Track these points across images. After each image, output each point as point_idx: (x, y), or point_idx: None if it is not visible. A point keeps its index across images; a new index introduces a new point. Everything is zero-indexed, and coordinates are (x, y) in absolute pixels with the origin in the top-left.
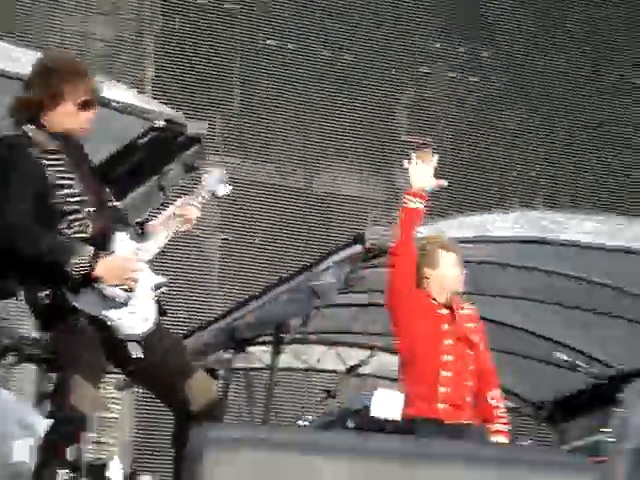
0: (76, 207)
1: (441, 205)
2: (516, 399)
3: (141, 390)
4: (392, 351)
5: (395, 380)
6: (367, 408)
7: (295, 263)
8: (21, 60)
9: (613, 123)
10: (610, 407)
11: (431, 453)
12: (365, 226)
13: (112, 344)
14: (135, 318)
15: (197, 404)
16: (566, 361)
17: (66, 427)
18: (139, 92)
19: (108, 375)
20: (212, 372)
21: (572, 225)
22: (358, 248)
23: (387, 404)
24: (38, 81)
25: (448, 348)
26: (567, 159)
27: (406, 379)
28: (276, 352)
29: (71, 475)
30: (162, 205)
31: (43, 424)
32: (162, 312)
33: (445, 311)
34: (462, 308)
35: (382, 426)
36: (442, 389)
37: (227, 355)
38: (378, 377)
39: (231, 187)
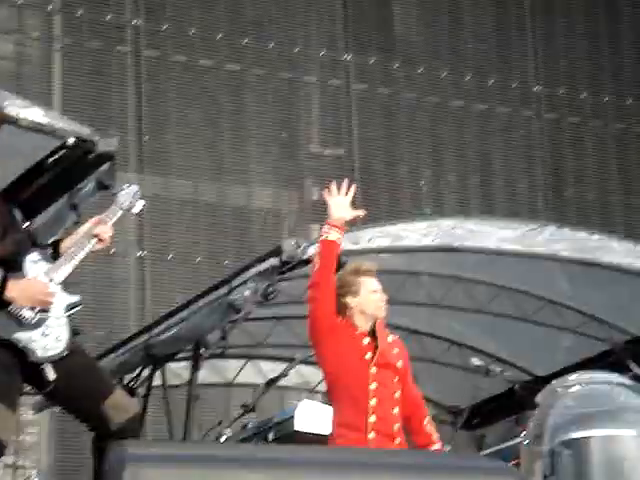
0: None
1: None
2: (433, 406)
3: (59, 411)
4: (311, 363)
5: (315, 392)
6: (291, 419)
7: (212, 278)
8: None
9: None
10: (526, 411)
11: (354, 462)
12: (280, 238)
13: (27, 366)
14: (48, 339)
15: (116, 422)
16: (480, 366)
17: None
18: (48, 109)
19: (25, 397)
20: (130, 390)
21: (486, 233)
22: (275, 261)
23: (311, 416)
24: None
25: (373, 376)
26: (477, 163)
27: (334, 409)
28: (195, 368)
29: None
30: (75, 224)
31: None
32: (76, 332)
33: (368, 339)
34: (386, 334)
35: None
36: (371, 418)
37: (145, 372)
38: (298, 389)
39: (146, 203)
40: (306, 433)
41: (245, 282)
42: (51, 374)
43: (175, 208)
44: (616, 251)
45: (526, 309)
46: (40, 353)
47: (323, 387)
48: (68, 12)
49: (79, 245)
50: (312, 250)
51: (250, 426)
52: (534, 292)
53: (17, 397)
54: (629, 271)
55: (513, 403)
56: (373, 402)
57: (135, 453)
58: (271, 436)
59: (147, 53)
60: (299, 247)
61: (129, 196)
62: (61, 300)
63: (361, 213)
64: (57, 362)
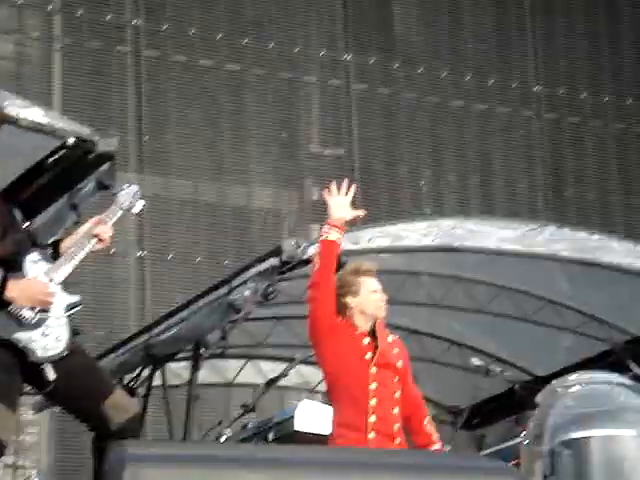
0: None
1: None
2: (433, 406)
3: (59, 411)
4: (311, 363)
5: (315, 392)
6: (291, 419)
7: (212, 278)
8: None
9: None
10: (526, 411)
11: (354, 462)
12: (280, 238)
13: (27, 366)
14: (48, 339)
15: (115, 422)
16: (480, 366)
17: None
18: (48, 109)
19: (25, 397)
20: (130, 390)
21: (486, 233)
22: (275, 261)
23: (311, 416)
24: None
25: (373, 376)
26: (477, 163)
27: (334, 409)
28: (195, 368)
29: None
30: (75, 224)
31: None
32: (76, 332)
33: (368, 339)
34: (386, 335)
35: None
36: (371, 418)
37: (145, 372)
38: (298, 389)
39: (146, 203)
40: (306, 433)
41: (245, 282)
42: (51, 374)
43: (175, 208)
44: (616, 251)
45: (526, 309)
46: (40, 353)
47: (323, 387)
48: (68, 12)
49: (79, 245)
50: (312, 250)
51: (250, 426)
52: (534, 292)
53: (17, 397)
54: (629, 271)
55: (513, 403)
56: (373, 402)
57: (135, 453)
58: (271, 436)
59: (147, 53)
60: (299, 247)
61: (129, 196)
62: (61, 300)
63: (361, 213)
64: (57, 362)
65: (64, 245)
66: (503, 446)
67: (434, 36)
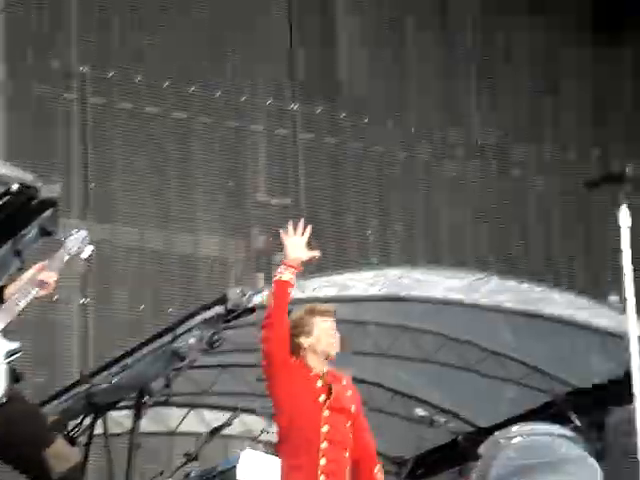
0: None
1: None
2: (377, 456)
3: None
4: (255, 412)
5: (258, 441)
6: (234, 469)
7: (156, 325)
8: None
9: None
10: (469, 462)
11: None
12: (227, 287)
13: None
14: None
15: (57, 472)
16: (424, 417)
17: None
18: None
19: None
20: (71, 439)
21: (433, 282)
22: (220, 309)
23: (254, 466)
24: None
25: (325, 419)
26: (424, 214)
27: (284, 451)
28: (137, 416)
29: None
30: (19, 270)
31: None
32: (17, 378)
33: (321, 382)
34: (340, 377)
35: None
36: (322, 461)
37: (87, 421)
38: (241, 438)
39: (94, 248)
40: None
41: (190, 330)
42: None
43: (121, 255)
44: (557, 302)
45: (470, 359)
46: None
47: (265, 437)
48: (13, 58)
49: (22, 292)
50: (258, 299)
51: (193, 475)
52: (479, 342)
53: None
54: (570, 323)
55: (456, 454)
56: (324, 445)
57: None
58: None
59: (93, 100)
60: (244, 295)
61: (77, 241)
62: (0, 347)
63: (317, 254)
64: None
65: (8, 292)
66: None
67: (380, 86)
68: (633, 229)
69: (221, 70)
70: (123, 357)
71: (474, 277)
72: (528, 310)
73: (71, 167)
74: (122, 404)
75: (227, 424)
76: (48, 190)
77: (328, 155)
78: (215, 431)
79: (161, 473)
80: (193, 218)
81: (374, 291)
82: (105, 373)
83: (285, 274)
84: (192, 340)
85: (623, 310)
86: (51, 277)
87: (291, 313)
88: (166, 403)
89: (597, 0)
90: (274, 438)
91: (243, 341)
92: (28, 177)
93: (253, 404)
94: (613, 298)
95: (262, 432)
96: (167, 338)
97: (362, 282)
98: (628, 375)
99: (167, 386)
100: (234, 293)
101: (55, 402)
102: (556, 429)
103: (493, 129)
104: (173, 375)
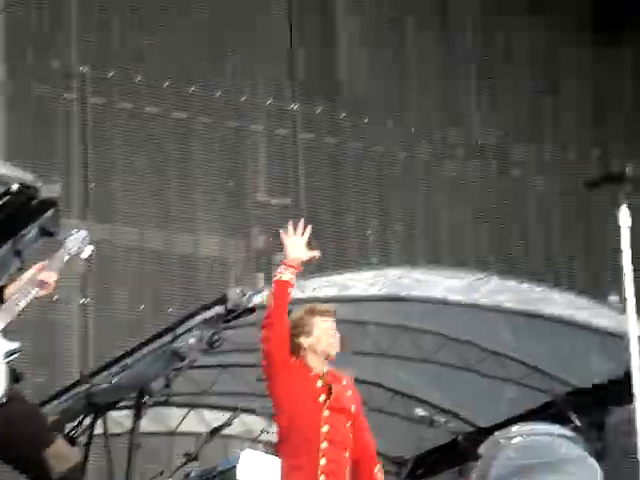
0: None
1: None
2: (377, 456)
3: None
4: (255, 412)
5: (258, 442)
6: (234, 469)
7: (156, 325)
8: None
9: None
10: (469, 462)
11: None
12: (227, 287)
13: None
14: None
15: (57, 472)
16: (424, 417)
17: None
18: None
19: None
20: (71, 439)
21: (433, 282)
22: (220, 309)
23: (254, 466)
24: None
25: (325, 419)
26: (424, 213)
27: (284, 451)
28: (137, 416)
29: None
30: (19, 270)
31: None
32: (17, 378)
33: (321, 382)
34: (340, 378)
35: None
36: (322, 461)
37: (87, 421)
38: (241, 438)
39: (94, 248)
40: None
41: (190, 330)
42: None
43: (121, 255)
44: (557, 303)
45: (470, 359)
46: None
47: (265, 437)
48: (13, 58)
49: (22, 292)
50: (258, 299)
51: (193, 475)
52: (478, 342)
53: None
54: (570, 323)
55: (456, 454)
56: (324, 445)
57: None
58: None
59: (93, 100)
60: (244, 295)
61: (77, 241)
62: (0, 347)
63: (317, 254)
64: None
65: (8, 292)
66: None
67: (380, 86)
68: (633, 229)
69: (221, 70)
70: (123, 357)
71: (474, 277)
72: (528, 310)
73: (71, 167)
74: (122, 404)
75: (227, 424)
76: (48, 190)
77: (328, 155)
78: (215, 431)
79: (161, 473)
80: (193, 218)
81: (374, 291)
82: (105, 373)
83: (285, 274)
84: (192, 340)
85: (623, 310)
86: (51, 277)
87: (291, 313)
88: (166, 403)
89: (597, 0)
90: (274, 438)
91: (243, 341)
92: (28, 177)
93: (253, 404)
94: (613, 298)
95: (262, 432)
96: (167, 338)
97: (362, 282)
98: (628, 375)
99: (167, 386)
100: (234, 293)
101: (55, 402)
102: (556, 429)
103: (493, 129)
104: (173, 375)
